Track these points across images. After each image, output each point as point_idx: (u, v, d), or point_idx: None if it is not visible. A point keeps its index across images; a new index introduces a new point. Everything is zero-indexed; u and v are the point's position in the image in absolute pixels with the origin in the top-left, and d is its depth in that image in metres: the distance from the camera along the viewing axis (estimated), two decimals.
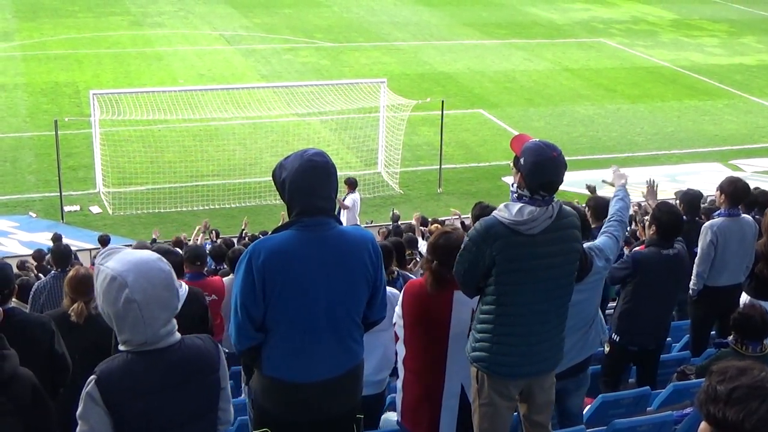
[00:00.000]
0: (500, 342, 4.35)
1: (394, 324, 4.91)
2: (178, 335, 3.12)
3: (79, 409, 2.99)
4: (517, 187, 4.33)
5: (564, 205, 4.43)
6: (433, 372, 4.72)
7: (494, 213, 4.36)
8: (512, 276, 4.28)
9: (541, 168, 4.21)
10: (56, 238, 14.60)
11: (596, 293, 5.39)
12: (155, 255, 3.12)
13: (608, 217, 5.28)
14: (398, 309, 4.84)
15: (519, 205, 4.26)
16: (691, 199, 8.20)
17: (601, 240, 5.26)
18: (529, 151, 4.27)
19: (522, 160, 4.28)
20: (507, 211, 4.27)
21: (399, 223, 15.90)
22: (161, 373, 3.03)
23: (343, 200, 16.28)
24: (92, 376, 2.99)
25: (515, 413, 4.74)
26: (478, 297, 4.56)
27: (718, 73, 31.94)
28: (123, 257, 3.02)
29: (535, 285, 4.31)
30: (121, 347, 3.06)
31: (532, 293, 4.32)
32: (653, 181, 7.52)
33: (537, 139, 4.43)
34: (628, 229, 9.03)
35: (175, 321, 3.12)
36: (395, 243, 7.50)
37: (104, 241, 14.93)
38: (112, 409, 2.95)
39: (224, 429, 3.33)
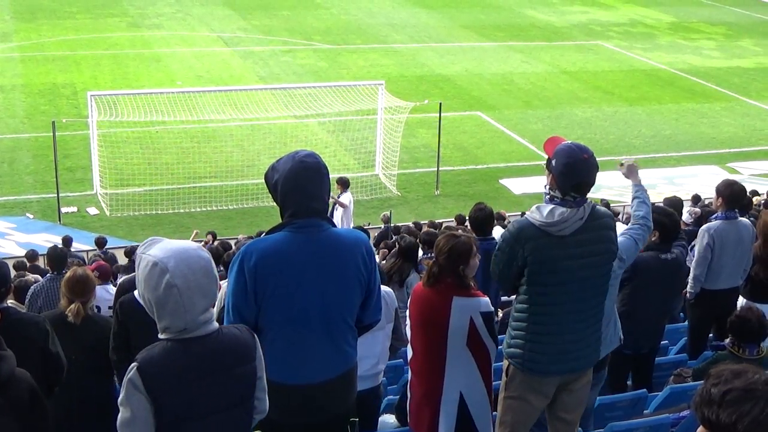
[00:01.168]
0: (533, 340, 4.45)
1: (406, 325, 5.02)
2: (216, 324, 3.19)
3: (121, 395, 3.07)
4: (549, 188, 4.41)
5: (597, 207, 4.49)
6: (433, 377, 4.78)
7: (527, 214, 4.47)
8: (543, 276, 4.37)
9: (572, 170, 4.29)
10: (65, 241, 14.59)
11: (612, 291, 5.36)
12: (195, 244, 3.22)
13: (633, 219, 5.28)
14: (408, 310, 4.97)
15: (550, 206, 4.34)
16: (672, 204, 8.21)
17: (620, 240, 5.27)
18: (561, 153, 4.34)
19: (554, 162, 4.35)
20: (538, 212, 4.36)
21: (391, 225, 15.85)
22: (200, 360, 3.10)
23: (339, 198, 16.16)
24: (134, 364, 3.07)
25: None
26: (479, 305, 4.70)
27: (715, 76, 31.99)
28: (164, 245, 3.12)
29: (567, 285, 4.38)
30: (161, 335, 3.14)
31: (564, 293, 4.39)
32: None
33: (569, 141, 4.50)
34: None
35: (213, 310, 3.19)
36: (413, 243, 7.52)
37: (101, 242, 14.91)
38: (153, 395, 3.02)
39: (259, 418, 3.40)
